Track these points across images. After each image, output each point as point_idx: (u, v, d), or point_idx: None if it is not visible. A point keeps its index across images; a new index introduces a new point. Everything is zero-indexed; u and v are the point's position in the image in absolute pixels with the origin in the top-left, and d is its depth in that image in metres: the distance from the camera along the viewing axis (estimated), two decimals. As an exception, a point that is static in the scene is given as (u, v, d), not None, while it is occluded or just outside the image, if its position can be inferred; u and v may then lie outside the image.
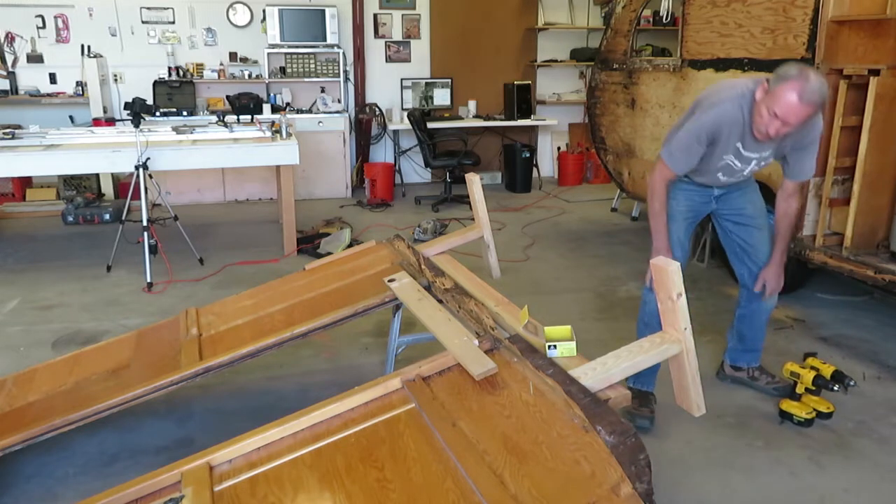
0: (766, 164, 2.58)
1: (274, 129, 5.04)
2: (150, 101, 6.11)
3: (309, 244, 5.07)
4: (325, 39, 6.76)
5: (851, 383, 2.58)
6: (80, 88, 6.52)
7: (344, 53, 7.00)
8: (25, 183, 6.43)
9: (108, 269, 4.59)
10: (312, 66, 6.97)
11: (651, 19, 7.24)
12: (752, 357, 2.93)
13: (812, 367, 2.63)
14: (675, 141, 2.51)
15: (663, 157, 2.54)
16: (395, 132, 7.35)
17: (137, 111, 4.55)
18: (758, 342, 2.90)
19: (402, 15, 7.30)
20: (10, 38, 6.40)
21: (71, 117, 6.45)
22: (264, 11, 6.67)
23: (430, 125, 6.80)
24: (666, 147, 2.54)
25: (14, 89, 6.43)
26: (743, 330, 2.89)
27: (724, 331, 3.52)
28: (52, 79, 6.57)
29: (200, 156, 4.70)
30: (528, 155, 7.19)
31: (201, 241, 5.10)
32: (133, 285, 4.31)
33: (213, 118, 5.93)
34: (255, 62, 6.94)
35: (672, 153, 2.51)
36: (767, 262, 2.72)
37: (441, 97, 7.31)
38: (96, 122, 6.20)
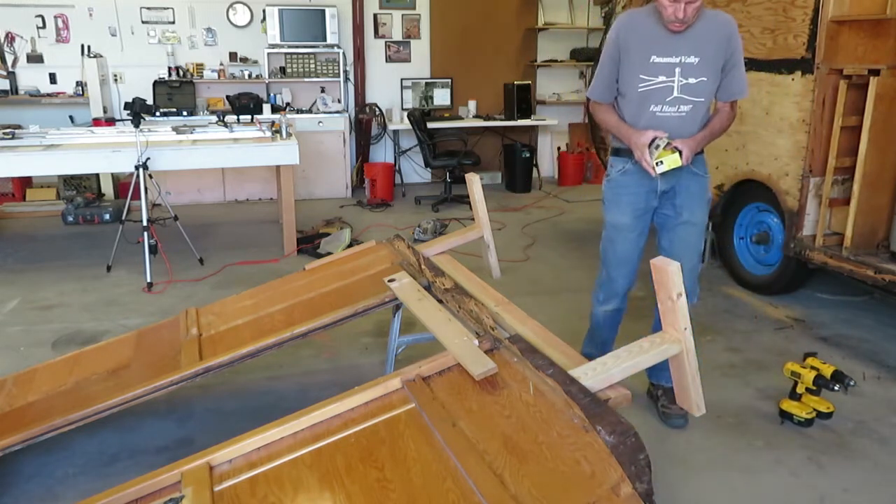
0: (699, 86, 2.43)
1: (274, 129, 5.04)
2: (150, 101, 6.11)
3: (309, 244, 5.07)
4: (325, 39, 6.76)
5: (851, 383, 2.58)
6: (80, 88, 6.52)
7: (344, 53, 7.00)
8: (25, 183, 6.43)
9: (108, 269, 4.59)
10: (312, 66, 6.97)
11: (651, 19, 7.23)
12: (664, 375, 2.67)
13: (812, 367, 2.63)
14: (594, 74, 2.61)
15: (588, 94, 2.64)
16: (395, 132, 7.35)
17: (137, 111, 4.55)
18: None
19: (402, 15, 7.30)
20: (10, 38, 6.40)
21: (71, 117, 6.45)
22: (264, 11, 6.67)
23: (430, 125, 6.80)
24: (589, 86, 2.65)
25: (14, 89, 6.43)
26: None
27: (725, 331, 3.53)
28: (52, 79, 6.57)
29: (200, 156, 4.70)
30: (528, 155, 7.19)
31: (201, 241, 5.10)
32: (133, 285, 4.31)
33: (213, 118, 5.93)
34: (255, 62, 6.94)
35: (593, 83, 2.59)
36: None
37: (441, 97, 7.31)
38: (96, 122, 6.20)
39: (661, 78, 2.42)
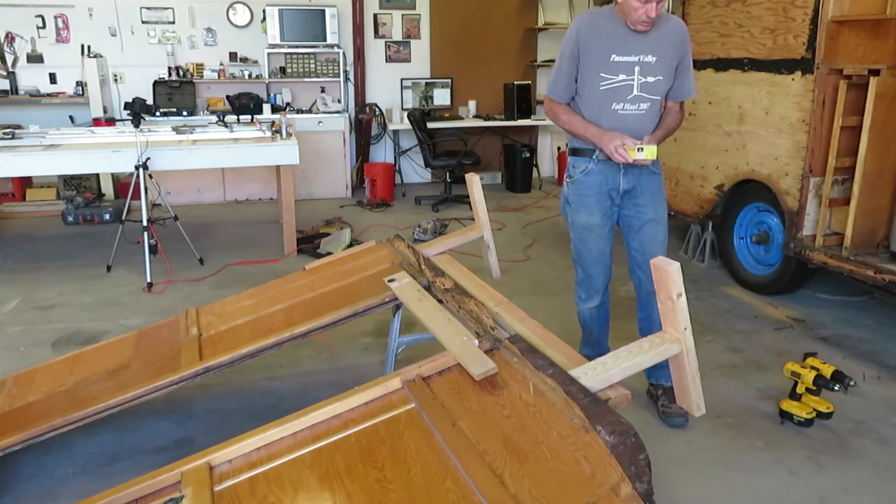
0: (657, 84, 2.51)
1: (274, 129, 5.04)
2: (150, 101, 6.12)
3: (309, 244, 5.07)
4: (325, 39, 6.76)
5: (851, 383, 2.58)
6: (80, 88, 6.52)
7: (344, 53, 7.00)
8: (25, 183, 6.43)
9: (108, 269, 4.59)
10: (312, 66, 6.97)
11: (651, 19, 7.24)
12: (661, 374, 2.69)
13: (812, 367, 2.63)
14: (552, 72, 2.60)
15: (547, 92, 2.63)
16: (395, 132, 7.35)
17: (137, 111, 4.55)
18: None
19: (402, 15, 7.30)
20: (10, 38, 6.39)
21: (71, 117, 6.45)
22: (264, 11, 6.67)
23: (430, 125, 6.80)
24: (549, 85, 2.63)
25: (14, 89, 6.43)
26: None
27: (725, 331, 3.53)
28: (52, 79, 6.56)
29: (200, 156, 4.70)
30: (528, 155, 7.19)
31: (201, 241, 5.10)
32: (133, 285, 4.31)
33: (213, 118, 5.93)
34: (255, 62, 6.94)
35: (551, 82, 2.59)
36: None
37: (441, 97, 7.31)
38: (96, 122, 6.20)
39: (622, 76, 2.48)
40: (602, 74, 2.48)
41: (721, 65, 4.10)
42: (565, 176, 2.74)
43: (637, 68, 2.48)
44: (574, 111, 2.60)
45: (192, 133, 5.09)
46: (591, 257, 2.71)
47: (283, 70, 6.93)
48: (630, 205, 2.65)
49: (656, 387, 2.76)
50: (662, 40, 2.49)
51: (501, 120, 7.28)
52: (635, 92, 2.50)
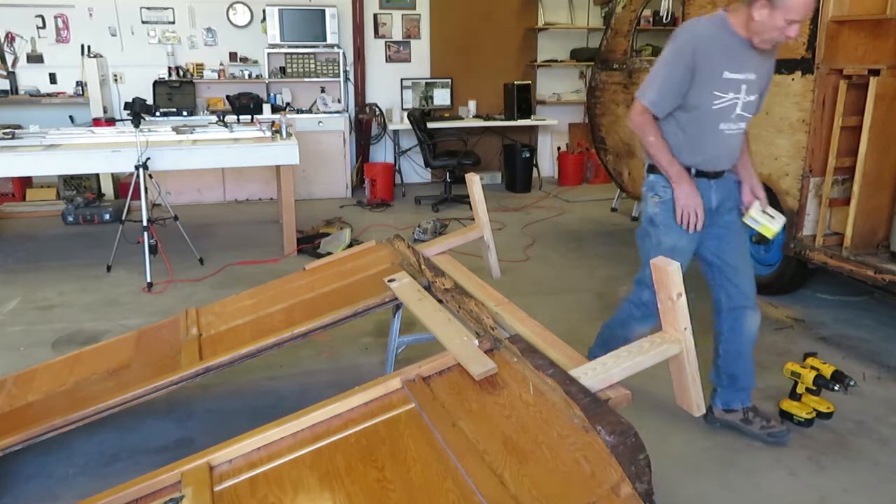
0: (754, 103, 2.38)
1: (274, 129, 5.05)
2: (150, 101, 6.12)
3: (309, 244, 5.07)
4: (325, 39, 6.77)
5: (851, 383, 2.58)
6: (80, 88, 6.52)
7: (344, 53, 7.00)
8: (25, 183, 6.43)
9: (108, 269, 4.59)
10: (312, 66, 6.97)
11: (651, 19, 7.25)
12: (746, 396, 2.59)
13: (812, 367, 2.63)
14: (651, 77, 2.34)
15: (642, 99, 2.35)
16: (395, 132, 7.35)
17: (137, 111, 4.55)
18: (750, 376, 2.57)
19: (402, 15, 7.30)
20: (10, 38, 6.40)
21: (71, 117, 6.45)
22: (264, 11, 6.67)
23: (430, 125, 6.80)
24: (642, 88, 2.36)
25: (14, 89, 6.43)
26: (733, 369, 2.55)
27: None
28: (52, 79, 6.57)
29: (200, 156, 4.70)
30: (528, 155, 7.20)
31: (201, 241, 5.10)
32: (133, 285, 4.31)
33: (213, 118, 5.93)
34: (255, 62, 6.94)
35: (653, 92, 2.33)
36: (744, 181, 2.52)
37: (441, 97, 7.31)
38: (96, 122, 6.20)
39: (731, 95, 2.32)
40: (715, 93, 2.29)
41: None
42: (649, 194, 2.49)
43: (744, 87, 2.32)
44: (659, 129, 2.38)
45: (192, 133, 5.09)
46: None
47: (283, 70, 6.93)
48: (719, 219, 2.48)
49: (737, 411, 2.59)
50: (764, 56, 2.34)
51: (501, 120, 7.28)
52: (738, 111, 2.35)
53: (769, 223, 2.47)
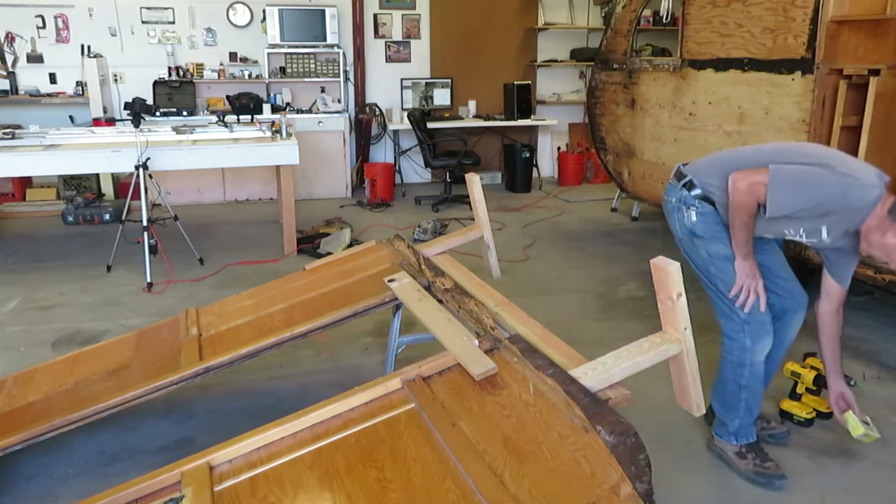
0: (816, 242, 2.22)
1: (274, 129, 5.05)
2: (150, 101, 6.12)
3: (309, 244, 5.07)
4: (325, 39, 6.76)
5: (851, 383, 2.57)
6: (80, 88, 6.52)
7: (344, 53, 7.00)
8: (25, 183, 6.43)
9: (108, 269, 4.59)
10: (312, 66, 6.97)
11: (651, 19, 7.25)
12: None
13: (812, 367, 2.62)
14: (799, 175, 2.07)
15: (772, 185, 2.06)
16: (395, 132, 7.35)
17: (137, 111, 4.55)
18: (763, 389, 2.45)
19: (402, 15, 7.30)
20: (10, 38, 6.39)
21: (71, 117, 6.45)
22: (264, 11, 6.67)
23: (430, 125, 6.80)
24: (778, 177, 2.06)
25: (14, 89, 6.43)
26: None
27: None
28: (52, 79, 6.57)
29: (200, 156, 4.70)
30: (528, 155, 7.20)
31: (201, 241, 5.10)
32: (133, 285, 4.31)
33: (213, 118, 5.94)
34: (255, 62, 6.94)
35: (780, 199, 2.06)
36: (832, 383, 2.39)
37: (441, 97, 7.31)
38: (96, 122, 6.20)
39: (804, 239, 2.20)
40: (801, 228, 2.16)
41: (721, 65, 4.10)
42: (683, 208, 2.36)
43: (815, 242, 2.19)
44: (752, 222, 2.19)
45: (192, 133, 5.09)
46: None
47: (283, 70, 6.93)
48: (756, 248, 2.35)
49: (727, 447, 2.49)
50: (853, 244, 2.16)
51: (501, 120, 7.28)
52: (800, 240, 2.23)
53: (866, 429, 2.36)
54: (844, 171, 2.03)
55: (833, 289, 2.29)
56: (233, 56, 6.88)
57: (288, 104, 6.93)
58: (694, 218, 2.32)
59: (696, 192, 2.31)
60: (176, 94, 6.53)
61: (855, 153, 3.31)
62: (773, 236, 2.31)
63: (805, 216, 2.10)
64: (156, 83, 6.52)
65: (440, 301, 2.38)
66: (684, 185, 2.36)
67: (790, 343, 2.50)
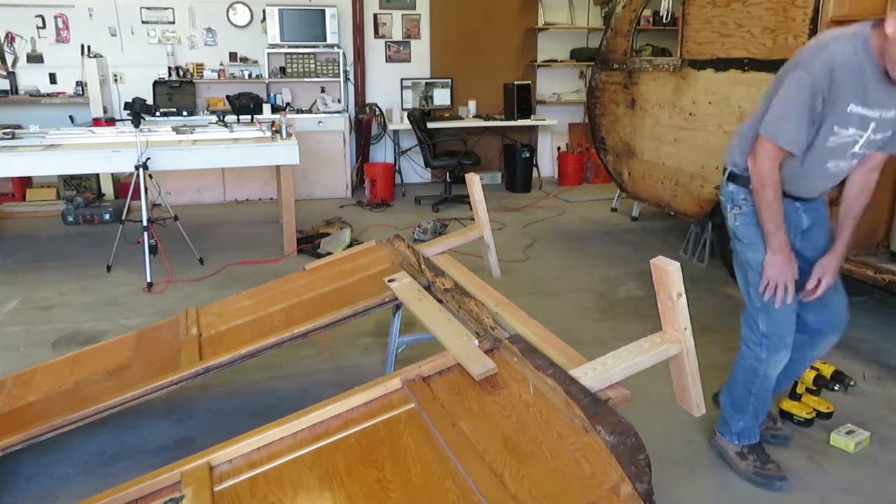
0: (878, 141, 2.06)
1: (274, 129, 5.05)
2: (150, 101, 6.12)
3: (309, 244, 5.07)
4: (325, 39, 6.77)
5: (851, 383, 2.58)
6: (80, 88, 6.52)
7: (344, 53, 7.00)
8: (25, 183, 6.43)
9: (108, 269, 4.59)
10: (312, 66, 6.97)
11: (651, 19, 7.24)
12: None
13: (812, 367, 2.63)
14: (781, 111, 1.99)
15: (767, 134, 2.00)
16: (395, 132, 7.35)
17: (137, 111, 4.55)
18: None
19: (402, 15, 7.30)
20: (10, 38, 6.39)
21: (71, 117, 6.45)
22: (264, 11, 6.67)
23: (430, 125, 6.80)
24: (771, 126, 2.01)
25: (14, 89, 6.43)
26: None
27: (725, 331, 3.52)
28: (52, 79, 6.56)
29: (200, 156, 4.70)
30: (528, 155, 7.20)
31: (201, 241, 5.10)
32: (133, 285, 4.31)
33: (213, 118, 5.94)
34: (255, 62, 6.94)
35: (783, 127, 1.97)
36: (828, 251, 2.22)
37: (441, 97, 7.31)
38: (96, 122, 6.20)
39: (851, 131, 2.00)
40: (835, 128, 1.99)
41: (721, 65, 4.10)
42: (728, 205, 2.27)
43: (873, 125, 1.99)
44: (780, 195, 2.08)
45: (192, 133, 5.09)
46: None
47: (283, 70, 6.93)
48: (810, 247, 2.27)
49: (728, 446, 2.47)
50: None
51: (501, 120, 7.28)
52: (855, 149, 2.05)
53: (854, 437, 2.41)
54: (813, 52, 1.97)
55: (876, 156, 2.13)
56: (233, 56, 6.88)
57: (288, 104, 6.93)
58: (736, 221, 2.26)
59: (733, 178, 2.23)
60: (176, 94, 6.53)
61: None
62: (835, 171, 2.10)
63: (828, 116, 1.96)
64: (156, 83, 6.52)
65: (440, 301, 2.38)
66: (728, 178, 2.27)
67: (812, 361, 2.47)
